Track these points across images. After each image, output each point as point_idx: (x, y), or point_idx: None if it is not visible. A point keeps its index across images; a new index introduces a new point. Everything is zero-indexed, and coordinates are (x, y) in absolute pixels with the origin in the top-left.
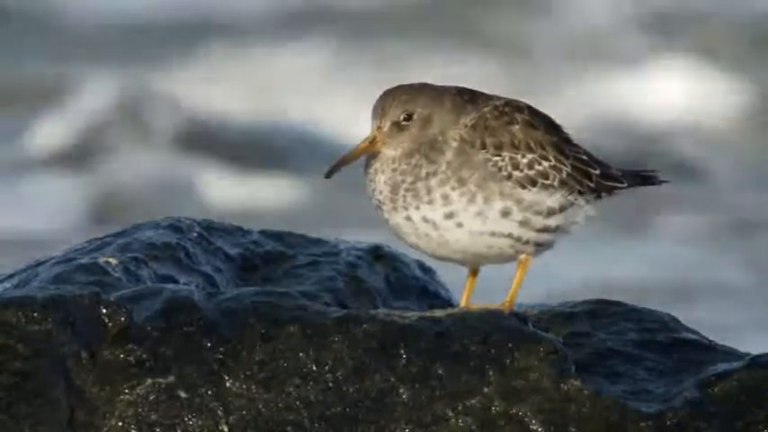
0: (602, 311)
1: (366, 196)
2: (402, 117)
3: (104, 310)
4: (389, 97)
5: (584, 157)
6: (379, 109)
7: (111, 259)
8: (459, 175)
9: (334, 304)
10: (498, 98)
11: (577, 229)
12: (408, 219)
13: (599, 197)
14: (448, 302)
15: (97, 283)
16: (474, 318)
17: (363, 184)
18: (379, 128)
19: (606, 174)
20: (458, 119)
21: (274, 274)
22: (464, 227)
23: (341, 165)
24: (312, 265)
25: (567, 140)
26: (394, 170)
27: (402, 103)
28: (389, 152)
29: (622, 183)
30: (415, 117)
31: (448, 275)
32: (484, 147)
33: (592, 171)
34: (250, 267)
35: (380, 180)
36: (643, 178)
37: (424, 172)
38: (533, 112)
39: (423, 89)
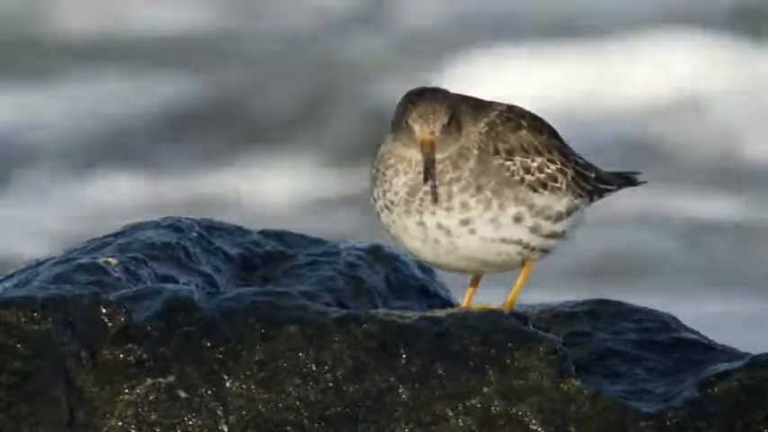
0: (602, 311)
1: (370, 196)
2: (446, 119)
3: (104, 310)
4: (436, 102)
5: (581, 161)
6: (430, 113)
7: (111, 259)
8: (478, 183)
9: (334, 304)
10: (499, 104)
11: (575, 234)
12: (421, 224)
13: (591, 200)
14: (448, 302)
15: (97, 283)
16: (474, 318)
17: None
18: (433, 132)
19: (599, 177)
20: (474, 125)
21: (274, 274)
22: (477, 233)
23: (434, 165)
24: (312, 265)
25: (565, 145)
26: (419, 172)
27: (448, 108)
28: (439, 156)
29: (613, 185)
30: (452, 122)
31: (448, 275)
32: (497, 152)
33: (589, 175)
34: (250, 267)
35: (398, 182)
36: (625, 179)
37: (447, 177)
38: (534, 117)
39: (450, 94)
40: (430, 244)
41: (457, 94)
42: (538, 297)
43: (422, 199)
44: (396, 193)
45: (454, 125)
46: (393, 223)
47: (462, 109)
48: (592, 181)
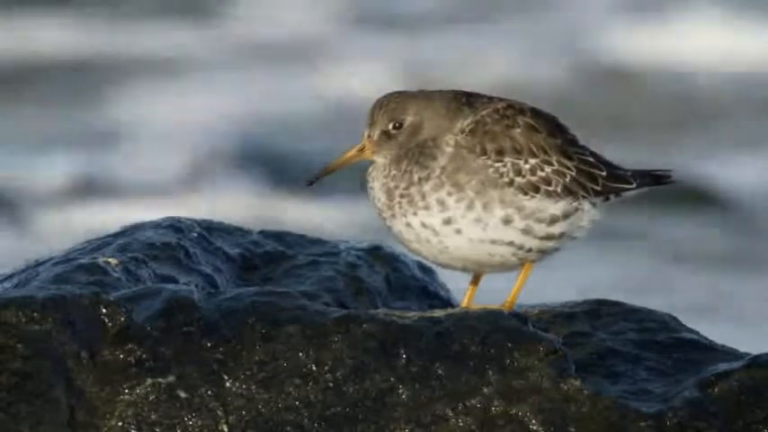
0: (602, 311)
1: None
2: (391, 126)
3: (104, 310)
4: (378, 105)
5: (590, 159)
6: (369, 117)
7: (111, 259)
8: (454, 180)
9: (334, 304)
10: (500, 100)
11: (584, 234)
12: (408, 225)
13: (606, 199)
14: (448, 302)
15: (97, 283)
16: (474, 318)
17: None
18: (369, 136)
19: (614, 175)
20: (452, 124)
21: (274, 274)
22: (463, 233)
23: (325, 173)
24: (312, 265)
25: (571, 142)
26: (386, 176)
27: (390, 112)
28: (380, 160)
29: (631, 184)
30: (405, 125)
31: (448, 275)
32: (484, 152)
33: (598, 173)
34: (250, 267)
35: (377, 187)
36: (654, 178)
37: (416, 177)
38: (536, 113)
39: (414, 96)
40: (424, 244)
41: (447, 91)
42: (538, 297)
43: (399, 202)
44: (379, 200)
45: (408, 129)
46: (390, 228)
47: (436, 108)
48: (602, 180)
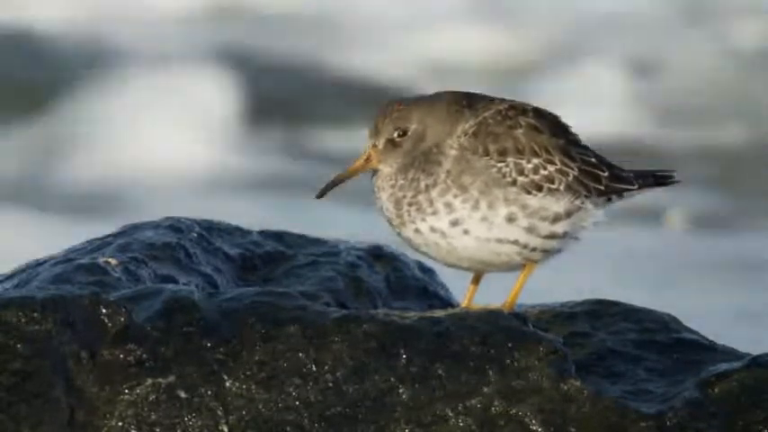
0: (602, 311)
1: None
2: (396, 134)
3: (104, 310)
4: (382, 114)
5: (593, 160)
6: (374, 126)
7: (111, 259)
8: (460, 183)
9: (334, 304)
10: (501, 101)
11: (586, 234)
12: (417, 231)
13: (609, 200)
14: (448, 302)
15: (97, 283)
16: (474, 318)
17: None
18: (374, 146)
19: (616, 176)
20: (454, 127)
21: (274, 274)
22: (470, 233)
23: (334, 185)
24: (312, 265)
25: (574, 143)
26: (393, 186)
27: (394, 120)
28: (386, 169)
29: (633, 185)
30: (409, 133)
31: (448, 275)
32: (487, 153)
33: (600, 174)
34: (250, 267)
35: (384, 197)
36: (656, 178)
37: (423, 184)
38: (539, 114)
39: (416, 103)
40: (433, 247)
41: (446, 94)
42: (538, 297)
43: (408, 210)
44: (387, 209)
45: (413, 136)
46: (398, 234)
47: (438, 113)
48: (604, 180)
